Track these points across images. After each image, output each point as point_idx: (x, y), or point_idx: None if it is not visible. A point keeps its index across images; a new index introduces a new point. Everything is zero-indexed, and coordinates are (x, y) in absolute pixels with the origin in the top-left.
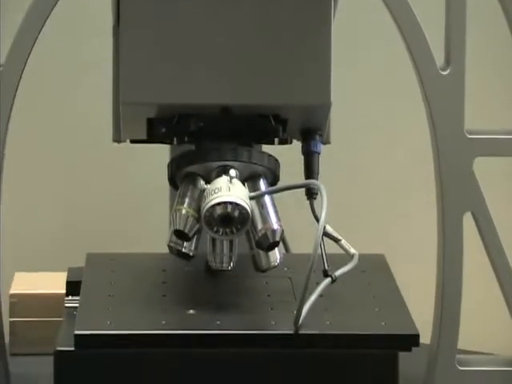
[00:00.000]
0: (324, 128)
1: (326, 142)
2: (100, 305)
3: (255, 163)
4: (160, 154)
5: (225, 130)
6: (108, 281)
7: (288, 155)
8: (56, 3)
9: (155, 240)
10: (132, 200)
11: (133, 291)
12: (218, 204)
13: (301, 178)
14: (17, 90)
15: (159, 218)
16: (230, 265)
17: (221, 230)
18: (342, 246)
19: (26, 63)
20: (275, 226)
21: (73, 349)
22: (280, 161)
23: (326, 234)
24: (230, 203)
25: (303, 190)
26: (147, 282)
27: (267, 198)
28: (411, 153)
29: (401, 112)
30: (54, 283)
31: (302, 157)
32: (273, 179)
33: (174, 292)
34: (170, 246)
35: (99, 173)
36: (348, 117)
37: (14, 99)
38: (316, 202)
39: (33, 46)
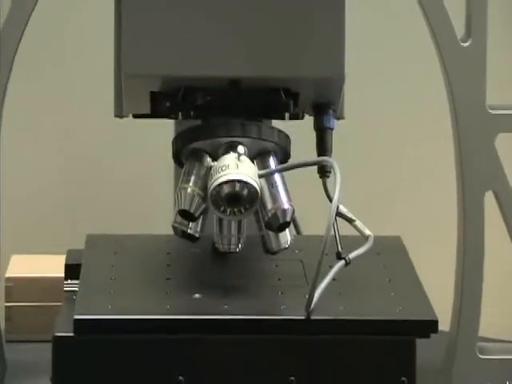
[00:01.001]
0: (337, 102)
1: (340, 117)
2: (101, 289)
3: (265, 139)
4: (164, 130)
5: (233, 105)
6: (109, 263)
7: (299, 131)
8: None
9: (159, 221)
10: (134, 178)
11: (135, 274)
12: (226, 182)
13: (313, 155)
14: (13, 59)
15: (163, 198)
16: (237, 247)
17: (228, 210)
18: (356, 227)
19: (25, 25)
20: (286, 205)
21: (72, 334)
22: (291, 137)
23: (339, 214)
24: (238, 181)
25: (315, 167)
26: (150, 265)
27: (277, 176)
28: (430, 129)
29: (419, 86)
30: (52, 266)
31: (315, 133)
32: (283, 156)
33: (179, 275)
34: (174, 227)
35: (100, 150)
36: (363, 91)
37: (12, 64)
38: (329, 181)
39: (32, 11)
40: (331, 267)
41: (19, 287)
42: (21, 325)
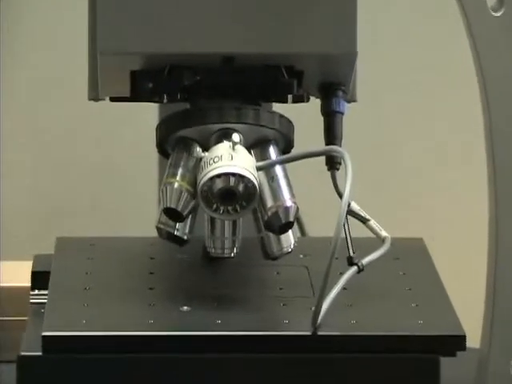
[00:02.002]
0: (348, 82)
1: (351, 99)
2: (73, 300)
3: (264, 125)
4: (147, 115)
5: (226, 85)
6: (83, 270)
7: (304, 116)
8: None
9: (141, 221)
10: (111, 171)
11: (113, 283)
12: (218, 176)
13: (320, 144)
14: None
15: (145, 194)
16: (232, 251)
17: (221, 209)
18: (370, 228)
19: None
20: (288, 202)
21: (40, 354)
22: (294, 123)
23: (350, 212)
24: (233, 175)
25: (323, 158)
26: (131, 272)
27: (279, 169)
28: (454, 112)
29: (442, 63)
30: (16, 274)
31: (322, 118)
32: (285, 145)
33: (164, 284)
34: (158, 228)
35: (72, 138)
36: (377, 69)
37: None
38: (339, 174)
39: None
40: (341, 274)
41: None
42: None
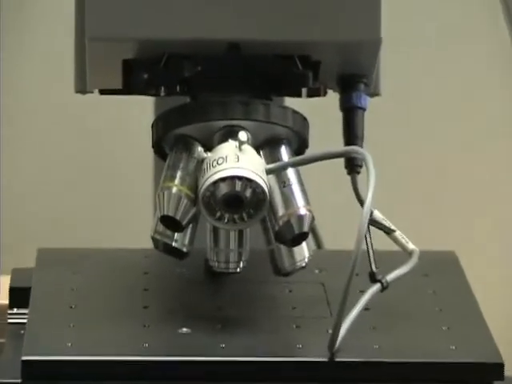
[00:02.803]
0: (371, 74)
1: (374, 93)
2: (57, 320)
3: (275, 122)
4: (142, 110)
5: (232, 77)
6: (68, 286)
7: (321, 112)
8: None
9: (134, 230)
10: (102, 174)
11: (103, 301)
12: (223, 180)
13: (339, 145)
14: None
15: (140, 200)
16: (238, 265)
17: (226, 217)
18: (396, 240)
19: None
20: (302, 210)
21: (19, 381)
22: (309, 120)
23: (373, 222)
24: (240, 178)
25: (342, 160)
26: (123, 289)
27: (291, 172)
28: (490, 108)
29: (474, 47)
30: None
31: (341, 114)
32: (299, 145)
33: (161, 303)
34: (154, 239)
35: (59, 134)
36: (404, 60)
37: None
38: (360, 178)
39: None
40: (363, 292)
41: None
42: None
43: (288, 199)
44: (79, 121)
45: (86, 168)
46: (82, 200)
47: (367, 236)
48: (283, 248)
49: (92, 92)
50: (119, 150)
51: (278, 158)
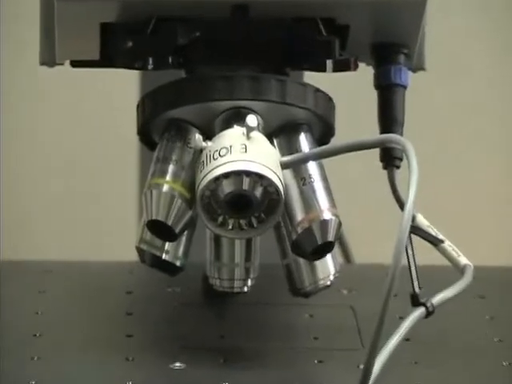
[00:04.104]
0: (414, 43)
1: (418, 67)
2: (18, 351)
3: (292, 104)
4: (124, 88)
5: (238, 46)
6: (32, 309)
7: (350, 91)
8: None
9: (114, 238)
10: (75, 168)
11: (74, 328)
12: (227, 175)
13: (373, 132)
14: None
15: (121, 201)
16: (245, 284)
17: (231, 223)
18: (444, 252)
19: None
20: (327, 214)
21: None
22: (336, 101)
23: (416, 230)
24: (248, 174)
25: (376, 151)
26: (101, 313)
27: (313, 167)
28: None
29: None
30: None
31: (376, 93)
32: (323, 133)
33: (148, 331)
34: (140, 250)
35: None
36: (451, 26)
37: None
38: (400, 174)
39: None
40: (402, 319)
41: None
42: None
43: (309, 200)
44: (46, 98)
45: (54, 160)
46: (48, 199)
47: (408, 247)
48: (302, 262)
49: (61, 64)
50: (95, 138)
51: (295, 149)
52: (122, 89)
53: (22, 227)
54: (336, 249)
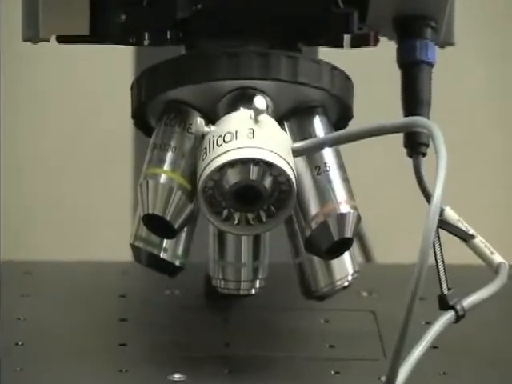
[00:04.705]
0: (442, 15)
1: (446, 42)
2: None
3: (305, 83)
4: (117, 65)
5: (245, 19)
6: (14, 315)
7: (370, 69)
8: None
9: (107, 235)
10: (69, 160)
11: (62, 336)
12: (232, 164)
13: (396, 114)
14: None
15: (114, 193)
16: (253, 286)
17: (237, 217)
18: (476, 249)
19: None
20: (344, 207)
21: None
22: (354, 80)
23: (444, 224)
24: (256, 162)
25: (400, 137)
26: (91, 318)
27: (329, 154)
28: None
29: None
30: None
31: (399, 72)
32: (340, 116)
33: (144, 339)
34: (135, 248)
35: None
36: None
37: None
38: (426, 162)
39: None
40: (429, 324)
41: None
42: None
43: (324, 192)
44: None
45: (39, 148)
46: (31, 187)
47: (436, 244)
48: (317, 261)
49: (47, 40)
50: (84, 121)
51: (309, 134)
52: (114, 67)
53: (5, 226)
54: (355, 246)
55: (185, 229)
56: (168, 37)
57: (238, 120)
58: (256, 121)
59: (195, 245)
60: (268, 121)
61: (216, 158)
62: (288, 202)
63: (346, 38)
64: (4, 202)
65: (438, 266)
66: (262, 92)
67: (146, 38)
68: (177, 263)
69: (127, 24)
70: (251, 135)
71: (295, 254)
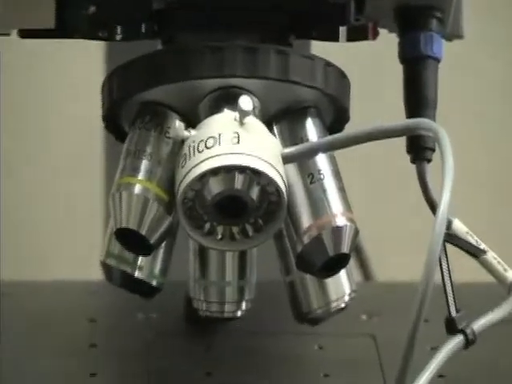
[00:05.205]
0: (449, 4)
1: (454, 35)
2: None
3: (296, 81)
4: (85, 62)
5: (229, 9)
6: None
7: (368, 65)
8: None
9: (74, 251)
10: (30, 166)
11: (25, 364)
12: (215, 172)
13: (398, 117)
14: None
15: (83, 205)
16: (239, 308)
17: (220, 231)
18: (487, 265)
19: None
20: (340, 220)
21: None
22: (350, 77)
23: (452, 238)
24: (241, 170)
25: (402, 141)
26: (57, 345)
27: (323, 161)
28: None
29: None
30: None
31: (401, 68)
32: (336, 118)
33: (116, 368)
34: (106, 266)
35: None
36: None
37: None
38: (432, 168)
39: None
40: (435, 350)
41: None
42: None
43: (318, 202)
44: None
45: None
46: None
47: (442, 260)
48: (310, 280)
49: (7, 35)
50: (49, 125)
51: (301, 138)
52: (82, 65)
53: None
54: (352, 263)
55: (162, 245)
56: (142, 30)
57: (222, 123)
58: (241, 124)
59: (174, 262)
60: (255, 124)
61: (197, 165)
62: (278, 214)
63: (342, 30)
64: None
65: (444, 285)
66: (248, 91)
67: (118, 31)
68: (153, 283)
69: (97, 16)
70: (236, 140)
71: (286, 271)
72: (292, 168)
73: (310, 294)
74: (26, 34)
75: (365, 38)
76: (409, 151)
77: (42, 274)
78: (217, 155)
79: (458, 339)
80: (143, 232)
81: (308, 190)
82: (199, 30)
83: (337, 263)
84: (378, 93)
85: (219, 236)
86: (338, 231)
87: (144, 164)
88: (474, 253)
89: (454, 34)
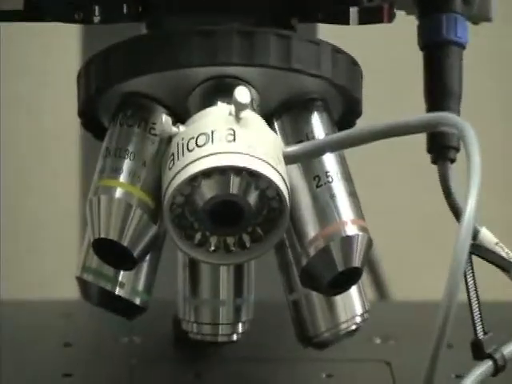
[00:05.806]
0: None
1: (481, 17)
2: None
3: (300, 70)
4: (61, 50)
5: None
6: None
7: (384, 52)
8: None
9: (47, 266)
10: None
11: None
12: (207, 174)
13: (418, 110)
14: None
15: (57, 212)
16: (235, 331)
17: (213, 242)
18: None
19: None
20: (351, 229)
21: None
22: (363, 67)
23: (478, 249)
24: (238, 172)
25: (421, 138)
26: (28, 373)
27: (331, 161)
28: None
29: None
30: None
31: (421, 55)
32: (345, 112)
33: None
34: (82, 282)
35: None
36: None
37: None
38: (457, 168)
39: None
40: (459, 378)
41: None
42: None
43: (325, 209)
44: None
45: None
46: None
47: (468, 275)
48: (317, 299)
49: None
50: (20, 122)
51: (305, 135)
52: (56, 51)
53: None
54: (364, 279)
55: (147, 258)
56: (124, 11)
57: (215, 118)
58: (237, 118)
59: (160, 278)
60: (253, 119)
61: (186, 166)
62: (279, 222)
63: (353, 11)
64: None
65: (470, 304)
66: (245, 82)
67: (97, 13)
68: (136, 302)
69: None
70: (231, 137)
71: (289, 289)
72: (295, 169)
73: (317, 315)
74: None
75: (379, 20)
76: (429, 150)
77: (12, 292)
78: (209, 155)
79: (487, 365)
80: (125, 243)
81: (314, 194)
82: (189, 11)
83: (347, 279)
84: (394, 82)
85: (212, 247)
86: (348, 242)
87: (126, 164)
88: (504, 267)
89: (482, 17)
